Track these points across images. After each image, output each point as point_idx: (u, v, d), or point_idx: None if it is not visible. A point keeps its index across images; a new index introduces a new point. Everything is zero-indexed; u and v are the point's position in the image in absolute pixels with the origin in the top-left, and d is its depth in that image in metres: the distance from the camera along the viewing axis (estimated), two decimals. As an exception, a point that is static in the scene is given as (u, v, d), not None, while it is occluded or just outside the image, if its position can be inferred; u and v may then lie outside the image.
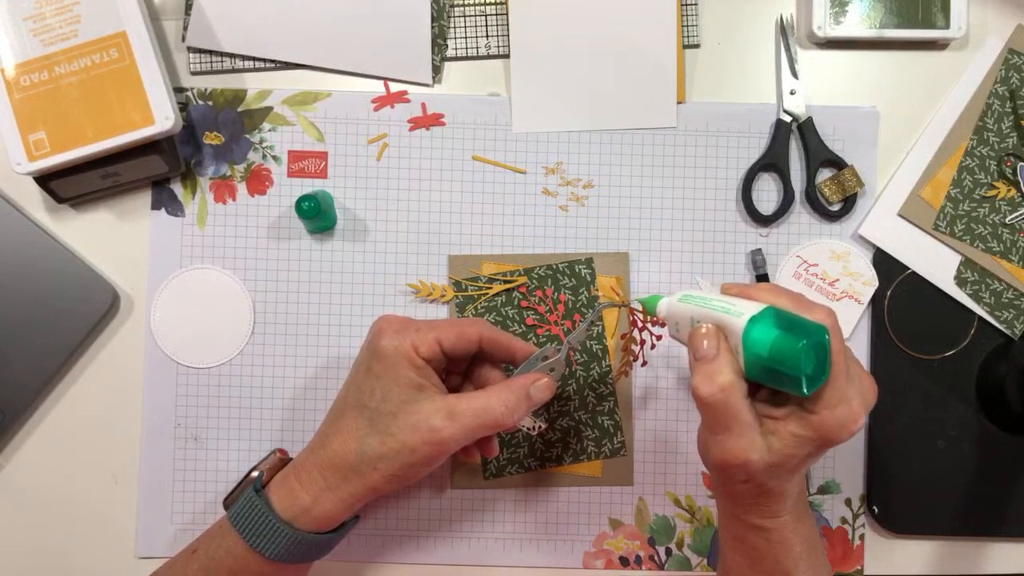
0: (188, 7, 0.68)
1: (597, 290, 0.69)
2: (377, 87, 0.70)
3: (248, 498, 0.56)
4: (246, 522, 0.55)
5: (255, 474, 0.59)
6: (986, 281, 0.69)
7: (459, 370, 0.62)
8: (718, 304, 0.50)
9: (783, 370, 0.46)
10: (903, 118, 0.70)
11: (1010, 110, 0.69)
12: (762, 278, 0.69)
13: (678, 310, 0.53)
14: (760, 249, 0.69)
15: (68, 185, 0.66)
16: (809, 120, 0.69)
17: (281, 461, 0.60)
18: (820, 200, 0.69)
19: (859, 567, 0.69)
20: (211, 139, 0.69)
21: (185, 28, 0.69)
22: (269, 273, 0.69)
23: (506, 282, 0.69)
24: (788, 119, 0.69)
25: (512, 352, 0.60)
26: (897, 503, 0.69)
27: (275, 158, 0.69)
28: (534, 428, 0.60)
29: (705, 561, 0.69)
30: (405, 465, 0.54)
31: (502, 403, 0.55)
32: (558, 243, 0.70)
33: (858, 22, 0.69)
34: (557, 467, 0.69)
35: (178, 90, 0.69)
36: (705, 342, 0.49)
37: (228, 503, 0.61)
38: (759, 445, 0.48)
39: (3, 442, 0.68)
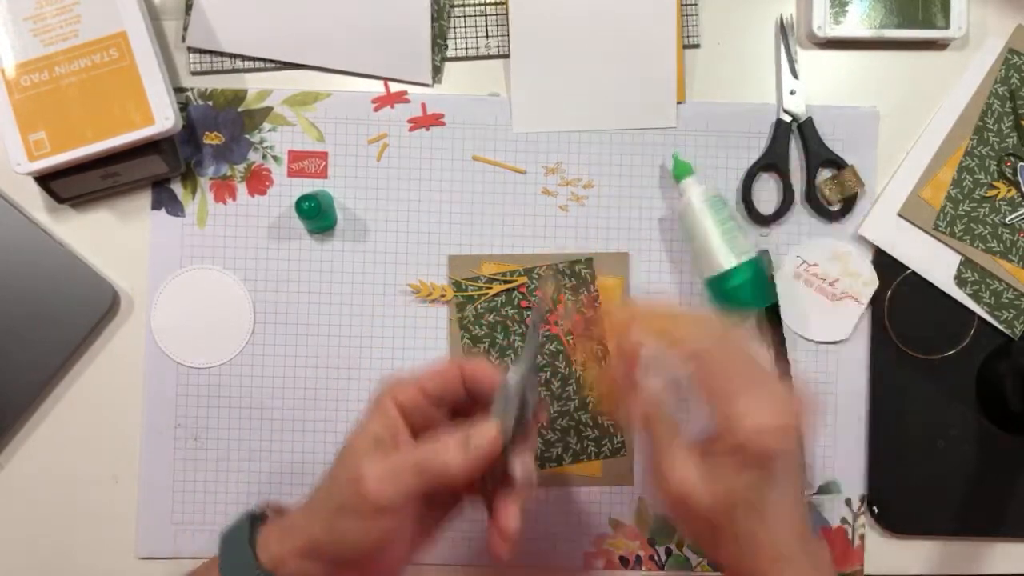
0: (188, 7, 0.68)
1: (597, 290, 0.69)
2: (377, 87, 0.70)
3: (241, 558, 0.50)
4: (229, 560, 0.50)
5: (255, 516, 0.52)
6: (986, 281, 0.69)
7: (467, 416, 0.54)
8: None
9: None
10: (903, 118, 0.70)
11: (1010, 110, 0.69)
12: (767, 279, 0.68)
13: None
14: (767, 251, 0.69)
15: (68, 185, 0.66)
16: (809, 120, 0.69)
17: (274, 514, 0.54)
18: (820, 200, 0.69)
19: (859, 567, 0.69)
20: (211, 139, 0.69)
21: (185, 28, 0.69)
22: (269, 273, 0.69)
23: (506, 282, 0.69)
24: (788, 119, 0.69)
25: (494, 385, 0.52)
26: (897, 503, 0.69)
27: (275, 158, 0.69)
28: (526, 480, 0.52)
29: (705, 561, 0.69)
30: (337, 511, 0.48)
31: (436, 453, 0.48)
32: (558, 243, 0.70)
33: (858, 22, 0.69)
34: (557, 467, 0.69)
35: (178, 90, 0.69)
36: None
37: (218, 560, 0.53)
38: (694, 472, 0.46)
39: (3, 442, 0.68)
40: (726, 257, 0.65)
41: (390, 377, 0.51)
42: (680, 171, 0.67)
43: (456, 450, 0.47)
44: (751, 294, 0.66)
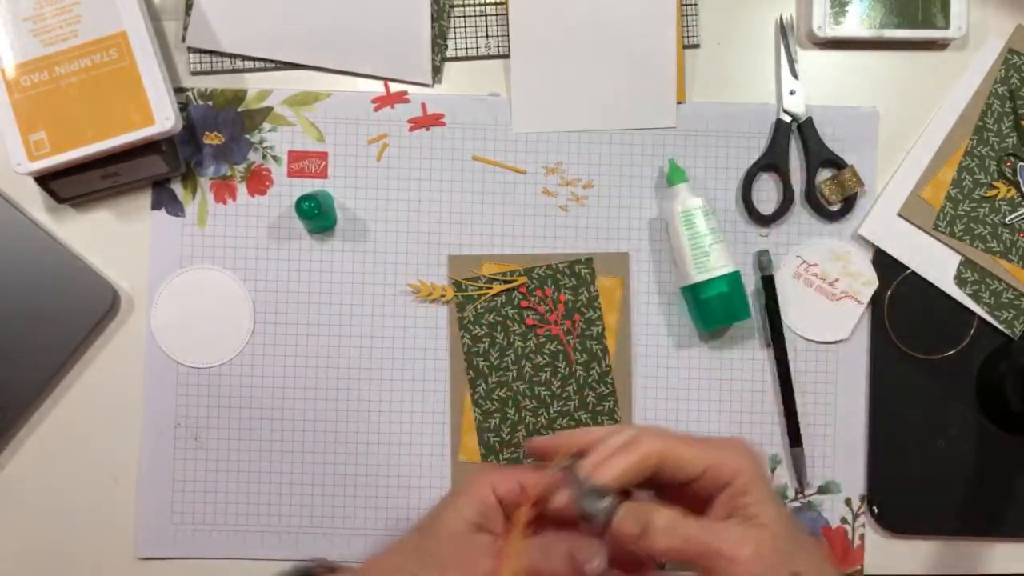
0: (188, 7, 0.68)
1: (597, 290, 0.69)
2: (377, 87, 0.70)
3: None
4: None
5: None
6: (986, 281, 0.69)
7: None
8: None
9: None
10: (903, 118, 0.70)
11: (1010, 110, 0.69)
12: (768, 280, 0.68)
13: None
14: (767, 251, 0.69)
15: (68, 185, 0.66)
16: (809, 120, 0.69)
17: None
18: (820, 200, 0.69)
19: (859, 567, 0.69)
20: (211, 139, 0.69)
21: (185, 28, 0.69)
22: (269, 273, 0.69)
23: (506, 282, 0.69)
24: (788, 119, 0.69)
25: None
26: (897, 503, 0.69)
27: (275, 158, 0.69)
28: (600, 515, 0.51)
29: (705, 561, 0.69)
30: None
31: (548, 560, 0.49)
32: (558, 243, 0.70)
33: (858, 22, 0.69)
34: (557, 467, 0.69)
35: (178, 90, 0.68)
36: (631, 525, 0.48)
37: None
38: (742, 533, 0.47)
39: (3, 442, 0.68)
40: (694, 271, 0.66)
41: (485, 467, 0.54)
42: (674, 177, 0.68)
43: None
44: (719, 309, 0.67)
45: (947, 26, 0.69)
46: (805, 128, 0.69)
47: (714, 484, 0.49)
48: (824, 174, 0.70)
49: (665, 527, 0.48)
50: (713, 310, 0.67)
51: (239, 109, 0.69)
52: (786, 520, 0.49)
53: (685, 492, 0.49)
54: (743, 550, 0.47)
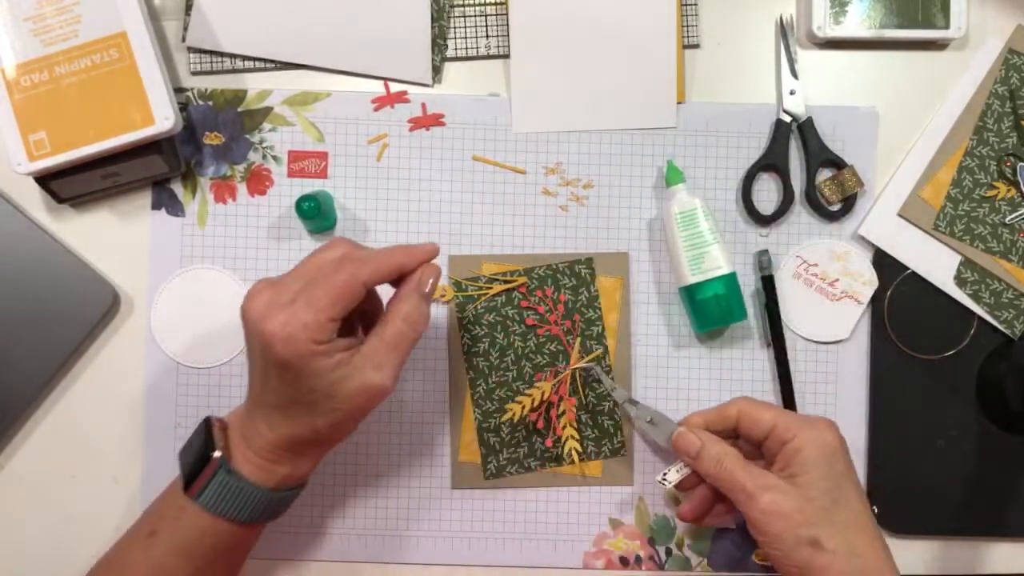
0: (188, 7, 0.68)
1: (597, 290, 0.69)
2: (377, 87, 0.70)
3: (224, 482, 0.56)
4: (229, 503, 0.56)
5: (217, 454, 0.56)
6: (986, 281, 0.69)
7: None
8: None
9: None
10: (903, 118, 0.70)
11: (1010, 110, 0.69)
12: (768, 279, 0.68)
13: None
14: (767, 250, 0.69)
15: (68, 185, 0.66)
16: (809, 120, 0.69)
17: (223, 431, 0.58)
18: (820, 200, 0.69)
19: (859, 567, 0.69)
20: (211, 139, 0.69)
21: (185, 28, 0.69)
22: (269, 273, 0.69)
23: (506, 282, 0.69)
24: (788, 119, 0.69)
25: (396, 269, 0.56)
26: (897, 503, 0.69)
27: (275, 158, 0.69)
28: (667, 482, 0.64)
29: (705, 561, 0.69)
30: (359, 420, 0.56)
31: (403, 319, 0.55)
32: (558, 243, 0.70)
33: (858, 22, 0.69)
34: (557, 467, 0.69)
35: (178, 90, 0.69)
36: (687, 443, 0.61)
37: (194, 489, 0.56)
38: (774, 483, 0.57)
39: (3, 442, 0.68)
40: (689, 273, 0.67)
41: (269, 319, 0.52)
42: (672, 178, 0.68)
43: (417, 305, 0.56)
44: (714, 310, 0.67)
45: (947, 26, 0.69)
46: (805, 128, 0.69)
47: (777, 442, 0.59)
48: (824, 174, 0.70)
49: (713, 455, 0.59)
50: (708, 311, 0.67)
51: (239, 109, 0.69)
52: (831, 493, 0.56)
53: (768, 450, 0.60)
54: (764, 495, 0.56)
